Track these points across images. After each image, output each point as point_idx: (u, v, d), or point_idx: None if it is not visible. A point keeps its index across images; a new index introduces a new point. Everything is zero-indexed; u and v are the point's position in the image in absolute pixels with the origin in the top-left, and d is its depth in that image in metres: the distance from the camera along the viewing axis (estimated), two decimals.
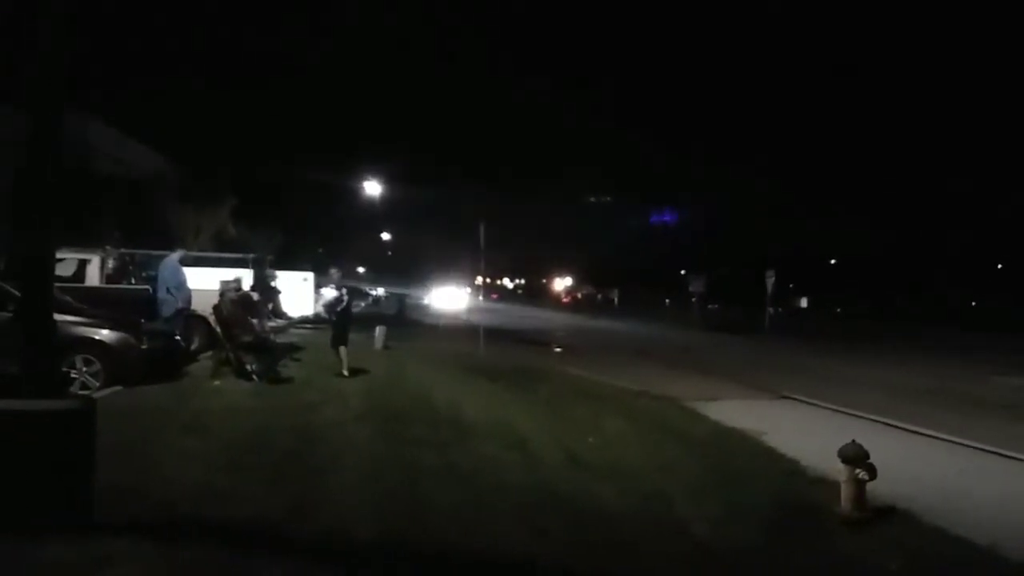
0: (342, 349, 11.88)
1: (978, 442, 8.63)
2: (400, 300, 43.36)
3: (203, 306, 13.10)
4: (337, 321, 12.46)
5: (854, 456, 5.32)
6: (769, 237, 62.84)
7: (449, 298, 47.83)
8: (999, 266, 61.67)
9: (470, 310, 39.01)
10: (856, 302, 65.73)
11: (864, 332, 36.53)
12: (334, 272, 14.38)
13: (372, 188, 37.30)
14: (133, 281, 14.58)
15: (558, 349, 21.80)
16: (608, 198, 78.02)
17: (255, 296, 13.30)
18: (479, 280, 45.43)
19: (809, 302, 70.10)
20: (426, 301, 50.68)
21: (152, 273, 13.61)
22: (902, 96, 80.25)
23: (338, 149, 57.63)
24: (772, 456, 7.57)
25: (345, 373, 11.58)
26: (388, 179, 37.68)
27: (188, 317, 13.10)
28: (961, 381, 15.91)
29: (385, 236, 69.98)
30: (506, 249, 72.34)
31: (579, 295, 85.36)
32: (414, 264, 74.48)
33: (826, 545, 4.97)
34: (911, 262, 62.98)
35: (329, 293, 13.94)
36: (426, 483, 5.87)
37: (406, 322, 30.19)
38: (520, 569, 4.40)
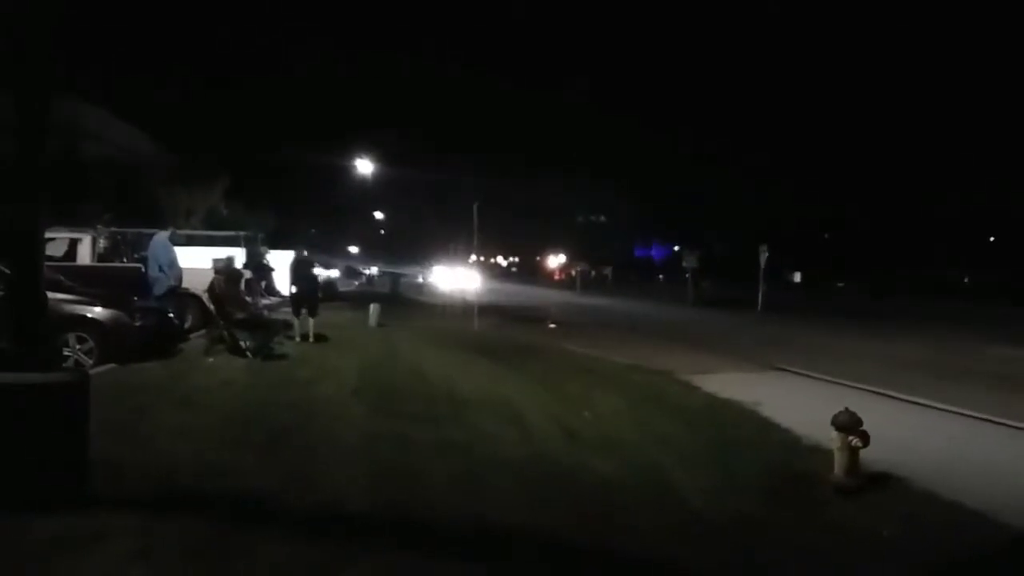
0: (310, 319, 12.98)
1: (970, 410, 8.68)
2: (394, 279, 43.30)
3: (196, 284, 13.07)
4: (300, 292, 13.49)
5: (847, 424, 5.33)
6: (762, 212, 62.98)
7: (443, 277, 47.79)
8: (991, 239, 61.77)
9: (465, 288, 39.01)
10: (851, 276, 65.85)
11: (858, 306, 36.66)
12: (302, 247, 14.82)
13: (365, 168, 37.11)
14: (125, 260, 14.52)
15: (552, 325, 21.80)
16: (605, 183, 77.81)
17: (248, 274, 13.29)
18: (473, 258, 45.31)
19: (803, 277, 70.15)
20: (421, 280, 50.68)
21: (144, 253, 13.57)
22: (896, 75, 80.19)
23: (333, 131, 57.63)
24: (766, 426, 7.60)
25: (309, 339, 12.74)
26: (382, 159, 37.51)
27: (181, 295, 13.07)
28: (954, 353, 16.00)
29: (379, 216, 69.84)
30: (500, 227, 72.30)
31: (573, 272, 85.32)
32: (409, 243, 74.40)
33: (820, 512, 5.00)
34: (905, 236, 63.09)
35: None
36: (422, 457, 5.88)
37: (401, 301, 30.18)
38: (518, 538, 4.42)
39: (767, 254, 32.88)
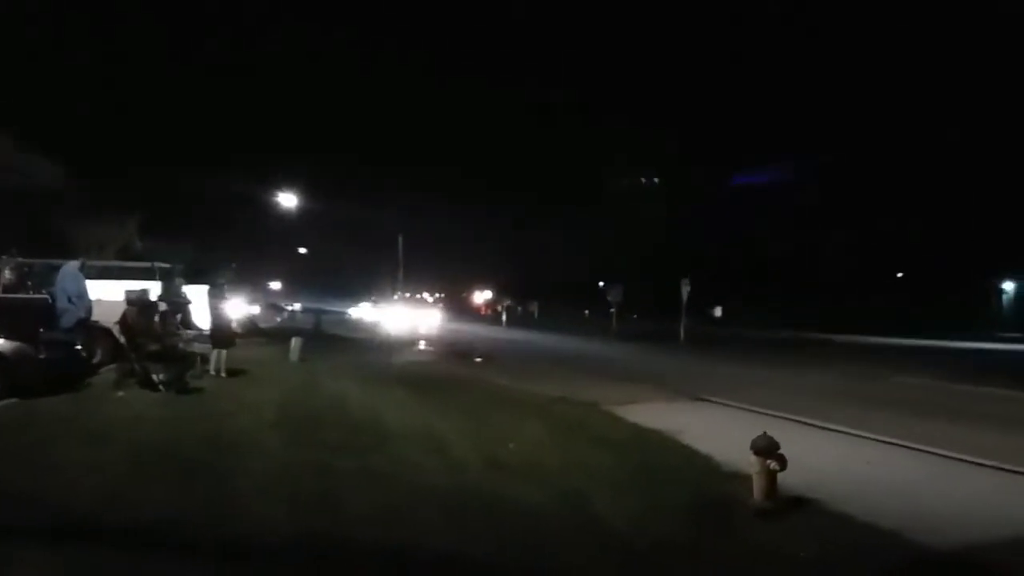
0: (224, 353, 12.97)
1: (881, 435, 8.99)
2: (318, 315, 42.56)
3: (108, 317, 12.56)
4: (215, 325, 13.50)
5: (765, 448, 5.44)
6: (685, 247, 64.52)
7: (370, 312, 47.29)
8: (899, 275, 64.80)
9: (390, 323, 38.61)
10: (768, 309, 67.83)
11: (774, 338, 37.72)
12: (222, 282, 14.65)
13: (289, 201, 36.63)
14: (31, 292, 13.87)
15: (478, 359, 21.73)
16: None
17: (163, 306, 12.87)
18: (399, 294, 44.96)
19: (724, 311, 71.85)
20: (347, 315, 49.98)
21: (51, 288, 13.00)
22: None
23: (254, 164, 56.53)
24: (689, 454, 7.69)
25: (223, 373, 12.65)
26: (306, 191, 37.09)
27: (91, 328, 12.54)
28: (863, 381, 16.66)
29: (303, 250, 68.76)
30: (426, 263, 72.12)
31: (499, 307, 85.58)
32: (334, 279, 73.33)
33: (740, 535, 5.06)
34: (810, 268, 65.56)
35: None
36: (344, 486, 5.74)
37: (324, 336, 29.64)
38: (441, 567, 4.34)
39: (689, 288, 33.64)
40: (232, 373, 12.87)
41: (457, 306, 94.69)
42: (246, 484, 5.67)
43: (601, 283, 62.20)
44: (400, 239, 18.64)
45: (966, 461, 7.69)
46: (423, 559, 4.40)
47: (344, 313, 51.71)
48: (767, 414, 10.67)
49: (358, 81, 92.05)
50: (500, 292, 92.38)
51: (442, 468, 6.66)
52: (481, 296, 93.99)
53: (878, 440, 8.85)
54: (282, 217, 40.23)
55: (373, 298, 57.36)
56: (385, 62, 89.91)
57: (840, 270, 63.31)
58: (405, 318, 37.62)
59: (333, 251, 70.68)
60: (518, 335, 38.45)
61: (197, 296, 15.60)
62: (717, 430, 9.31)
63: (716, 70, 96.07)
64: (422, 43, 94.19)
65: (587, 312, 72.80)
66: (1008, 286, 57.90)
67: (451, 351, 24.74)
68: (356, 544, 4.55)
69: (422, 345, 26.87)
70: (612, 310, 41.08)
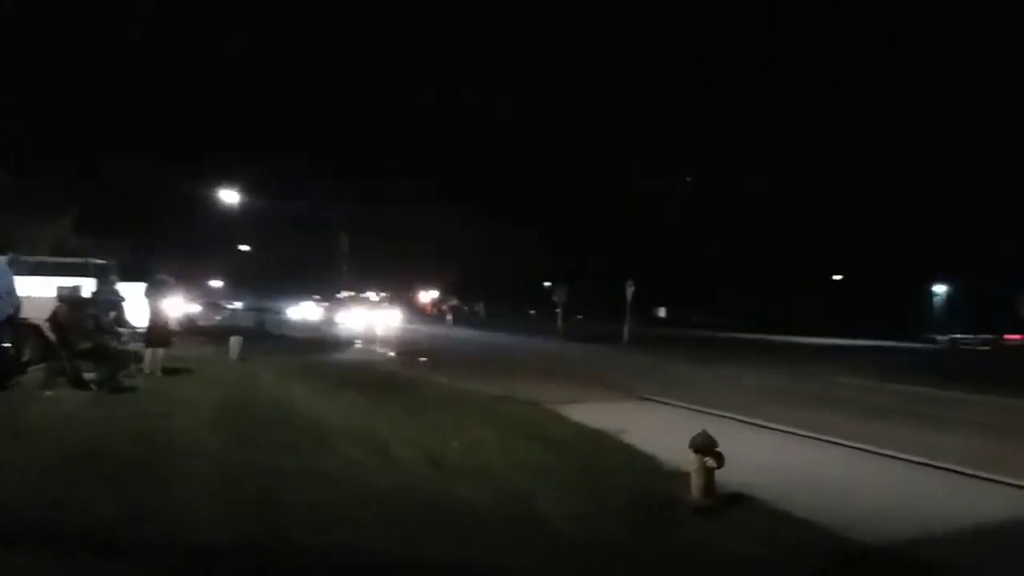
0: (160, 351, 12.62)
1: (819, 433, 9.21)
2: (260, 314, 41.78)
3: (37, 314, 12.13)
4: (152, 323, 13.07)
5: (703, 446, 5.52)
6: (631, 247, 65.25)
7: (314, 311, 46.63)
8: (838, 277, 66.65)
9: (335, 322, 38.20)
10: (712, 311, 69.12)
11: (717, 339, 38.36)
12: (163, 279, 14.21)
13: (230, 198, 35.93)
14: None
15: (423, 359, 21.63)
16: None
17: (96, 303, 12.48)
18: (344, 293, 44.53)
19: (668, 312, 72.94)
20: (289, 315, 49.24)
21: None
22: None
23: (195, 161, 55.25)
24: (631, 453, 7.75)
25: (159, 372, 12.32)
26: (248, 188, 36.44)
27: (19, 326, 12.07)
28: (803, 380, 17.09)
29: (245, 248, 67.50)
30: (372, 262, 71.52)
31: (445, 307, 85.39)
32: (276, 277, 72.13)
33: (679, 532, 5.11)
34: (754, 271, 67.00)
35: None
36: (283, 487, 5.62)
37: (266, 335, 29.15)
38: (382, 567, 4.29)
39: (633, 289, 34.00)
40: (169, 372, 12.55)
41: (403, 305, 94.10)
42: (181, 485, 5.52)
43: (547, 283, 62.56)
44: (345, 237, 18.41)
45: (902, 459, 7.92)
46: (364, 560, 4.34)
47: (287, 312, 50.90)
48: (708, 413, 10.84)
49: (305, 77, 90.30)
50: (447, 292, 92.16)
51: (384, 468, 6.58)
52: (427, 295, 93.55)
53: (816, 439, 9.06)
54: (224, 214, 39.44)
55: (317, 297, 56.61)
56: (331, 57, 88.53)
57: (783, 274, 64.82)
58: (362, 318, 37.25)
59: (277, 249, 69.60)
60: (464, 334, 38.39)
61: (133, 294, 15.19)
62: (659, 429, 9.41)
63: (666, 68, 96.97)
64: (372, 40, 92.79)
65: (533, 312, 73.11)
66: (939, 289, 59.92)
67: (395, 350, 24.59)
68: (295, 546, 4.46)
69: (366, 344, 26.64)
70: (558, 310, 41.29)
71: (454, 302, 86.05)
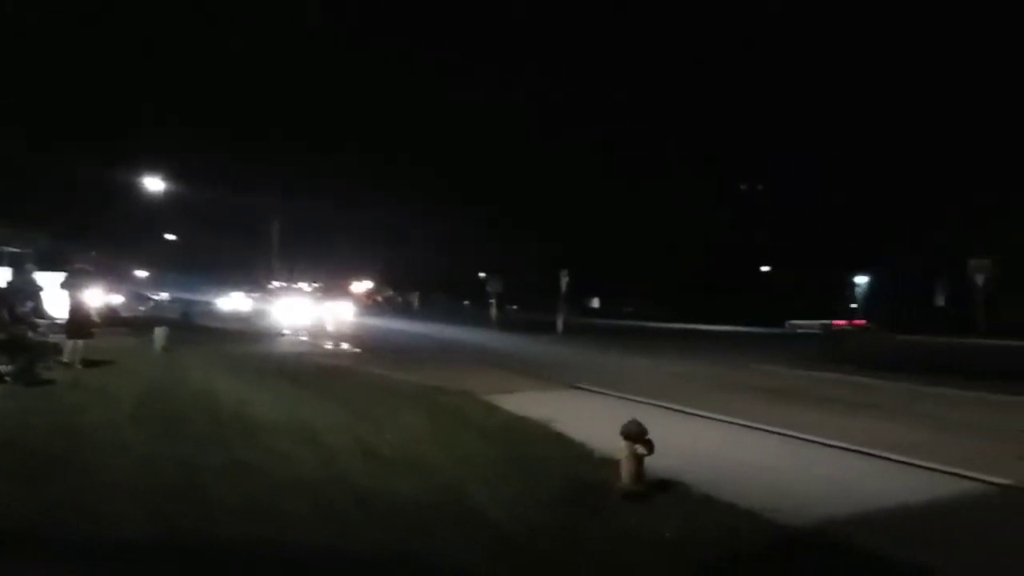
0: (77, 342, 12.26)
1: (744, 419, 9.46)
2: (186, 304, 40.73)
3: None
4: (71, 313, 12.74)
5: (633, 433, 5.62)
6: (563, 238, 65.72)
7: (244, 302, 45.66)
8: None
9: (266, 313, 37.45)
10: (646, 301, 70.28)
11: (649, 328, 39.01)
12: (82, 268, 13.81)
13: (155, 186, 34.86)
14: None
15: (357, 349, 21.44)
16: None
17: (12, 293, 12.02)
18: (276, 283, 43.74)
19: (601, 302, 73.74)
20: (219, 305, 48.13)
21: None
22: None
23: (118, 149, 53.37)
24: (562, 441, 7.83)
25: (80, 364, 11.93)
26: (175, 173, 35.42)
27: None
28: (729, 368, 17.57)
29: (171, 237, 65.65)
30: (303, 252, 70.25)
31: (379, 298, 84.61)
32: (206, 267, 70.32)
33: (609, 519, 5.19)
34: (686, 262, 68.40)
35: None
36: (210, 481, 5.51)
37: (192, 326, 28.44)
38: (315, 559, 4.24)
39: (567, 279, 34.29)
40: (89, 364, 12.16)
41: (336, 296, 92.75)
42: (102, 480, 5.36)
43: (482, 274, 62.52)
44: (276, 226, 18.06)
45: (821, 443, 8.18)
46: (295, 555, 4.29)
47: (216, 302, 49.72)
48: (638, 401, 11.02)
49: (228, 53, 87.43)
50: (381, 283, 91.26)
51: (315, 460, 6.51)
52: (361, 286, 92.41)
53: (741, 424, 9.31)
54: (149, 202, 38.26)
55: (247, 287, 55.36)
56: (274, 34, 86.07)
57: (713, 265, 66.27)
58: (298, 309, 36.51)
59: (205, 239, 67.83)
60: (398, 325, 38.18)
61: (51, 284, 14.66)
62: (590, 417, 9.53)
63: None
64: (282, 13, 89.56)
65: (468, 303, 73.03)
66: (860, 279, 62.02)
67: (328, 341, 24.29)
68: (222, 540, 4.39)
69: (299, 335, 26.22)
70: (492, 301, 41.34)
71: (389, 293, 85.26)
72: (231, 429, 7.48)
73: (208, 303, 48.47)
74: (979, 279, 25.64)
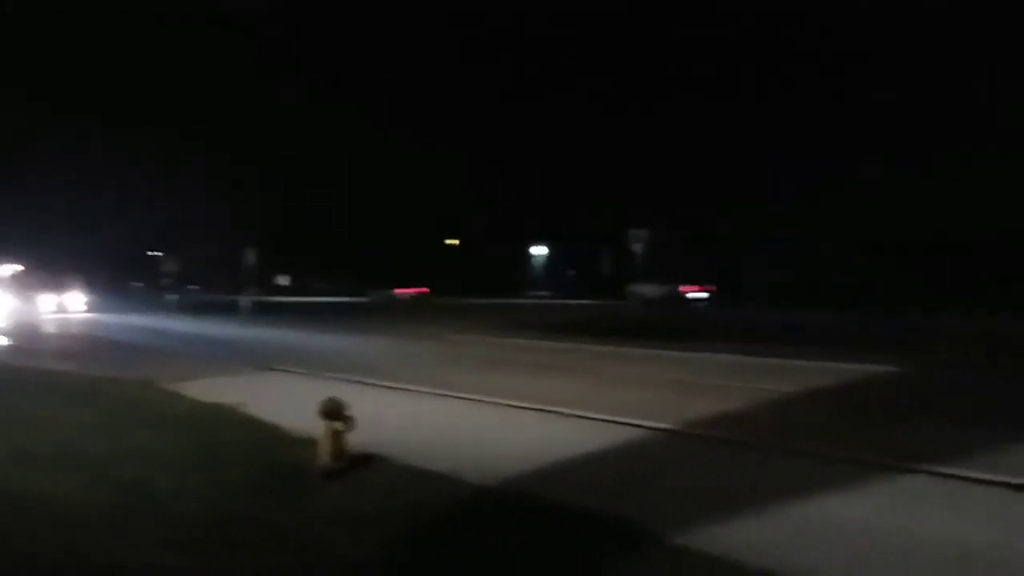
0: None
1: (441, 389, 9.74)
2: None
3: None
4: None
5: (331, 410, 5.57)
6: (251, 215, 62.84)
7: None
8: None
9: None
10: (341, 276, 69.94)
11: (344, 304, 38.79)
12: None
13: None
14: None
15: (8, 341, 18.83)
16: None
17: None
18: None
19: (292, 280, 71.64)
20: None
21: None
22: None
23: None
24: (255, 425, 7.54)
25: None
26: None
27: None
28: (425, 339, 18.16)
29: None
30: None
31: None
32: None
33: (307, 498, 5.13)
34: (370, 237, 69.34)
35: None
36: None
37: None
38: None
39: (255, 257, 32.98)
40: None
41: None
42: None
43: (152, 252, 57.61)
44: None
45: (517, 407, 8.64)
46: None
47: None
48: (337, 378, 10.93)
49: None
50: (35, 266, 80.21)
51: None
52: (8, 269, 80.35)
53: (438, 394, 9.57)
54: None
55: None
56: None
57: (393, 236, 68.04)
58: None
59: None
60: (63, 316, 33.97)
61: None
62: (285, 398, 9.30)
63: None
64: None
65: (140, 285, 67.01)
66: (537, 251, 66.93)
67: None
68: None
69: None
70: (167, 280, 38.37)
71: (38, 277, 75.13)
72: None
73: None
74: (637, 247, 28.96)
